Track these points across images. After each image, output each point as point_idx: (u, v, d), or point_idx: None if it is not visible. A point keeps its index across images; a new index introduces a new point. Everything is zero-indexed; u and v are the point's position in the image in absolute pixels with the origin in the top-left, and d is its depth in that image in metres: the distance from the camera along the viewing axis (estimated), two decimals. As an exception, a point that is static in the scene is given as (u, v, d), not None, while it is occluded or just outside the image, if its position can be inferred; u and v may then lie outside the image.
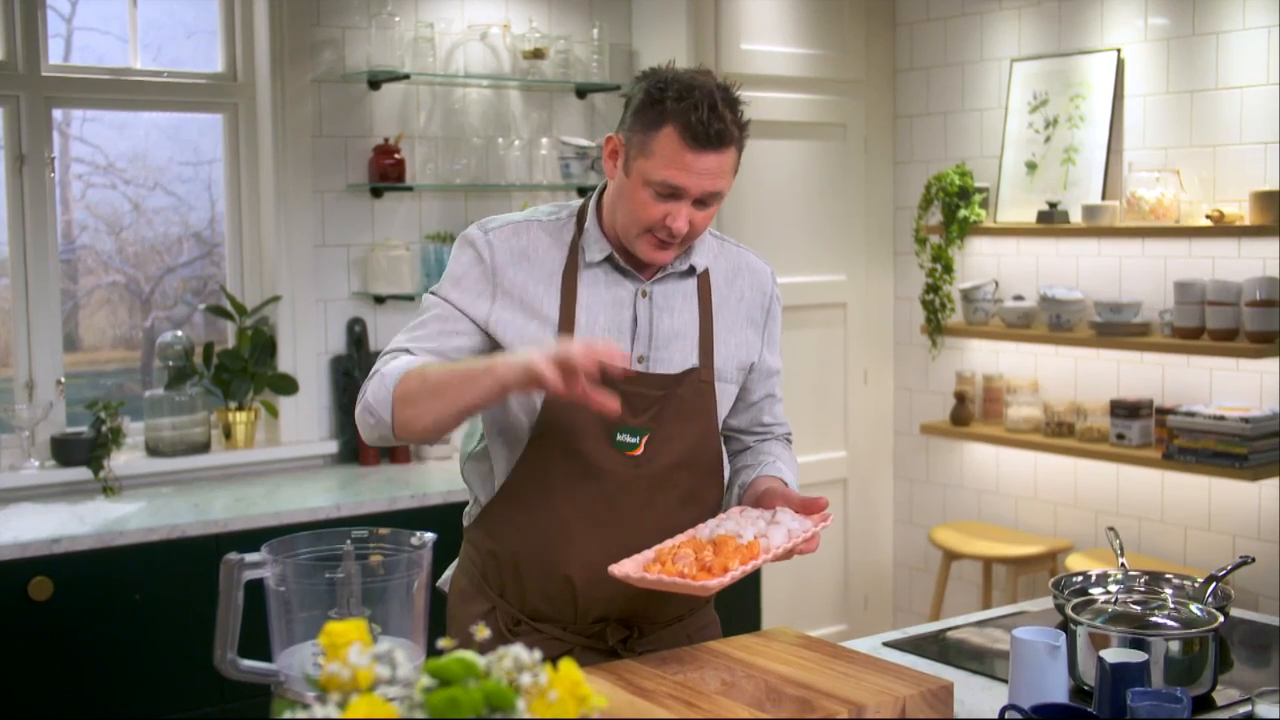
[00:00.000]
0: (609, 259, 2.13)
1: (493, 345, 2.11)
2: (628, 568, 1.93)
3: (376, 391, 2.05)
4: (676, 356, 2.15)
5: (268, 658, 1.74)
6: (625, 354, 1.88)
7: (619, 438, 2.10)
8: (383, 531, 1.81)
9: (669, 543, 2.01)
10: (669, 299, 2.16)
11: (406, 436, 2.07)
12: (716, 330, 2.20)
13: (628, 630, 2.18)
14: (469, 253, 2.13)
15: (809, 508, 2.09)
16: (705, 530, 2.05)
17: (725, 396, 2.23)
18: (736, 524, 2.05)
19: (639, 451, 2.11)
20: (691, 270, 2.19)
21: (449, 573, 2.32)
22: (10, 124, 3.80)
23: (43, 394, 3.85)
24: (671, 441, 2.13)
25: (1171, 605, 2.12)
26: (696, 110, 1.98)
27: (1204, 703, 2.01)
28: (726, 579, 1.90)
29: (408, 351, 2.10)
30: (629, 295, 2.14)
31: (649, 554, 1.97)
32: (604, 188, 2.18)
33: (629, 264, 2.14)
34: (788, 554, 2.01)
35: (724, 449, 2.27)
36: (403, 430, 2.05)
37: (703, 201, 2.05)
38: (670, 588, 1.90)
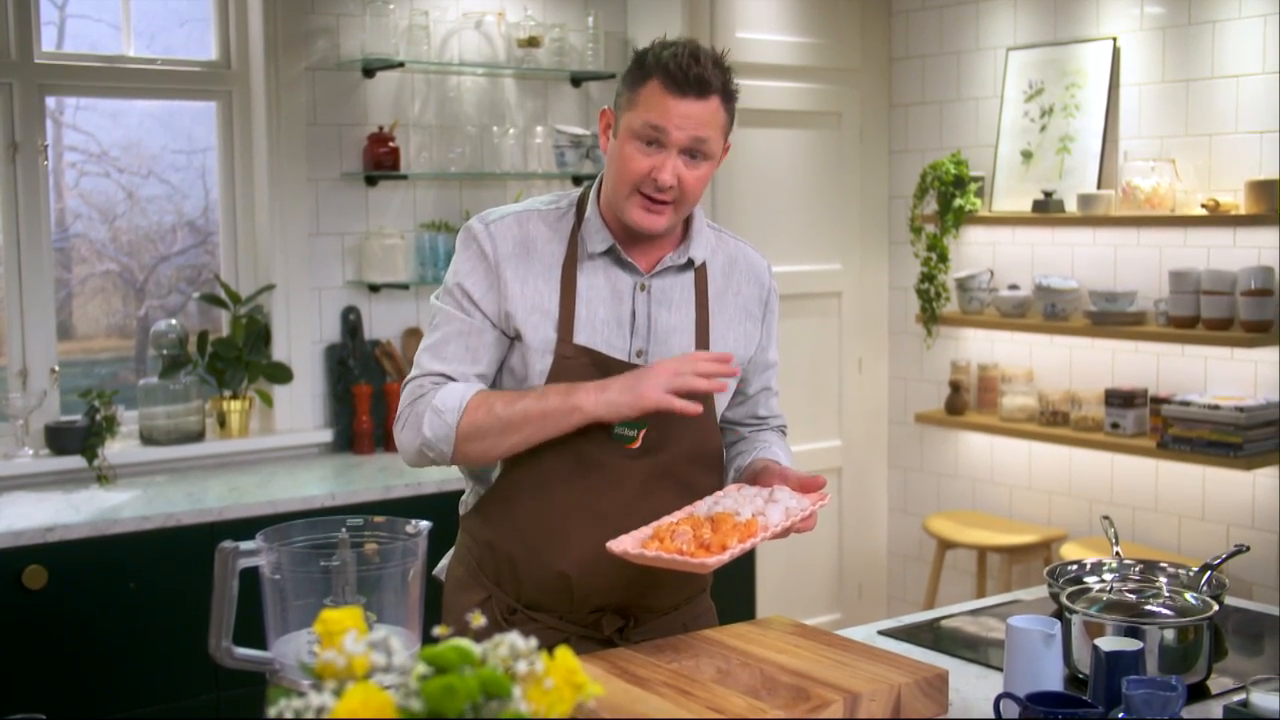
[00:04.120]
0: (610, 250, 2.13)
1: (510, 338, 2.12)
2: (626, 544, 1.92)
3: (435, 427, 2.05)
4: (674, 350, 2.15)
5: (263, 646, 1.74)
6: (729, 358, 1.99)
7: (617, 430, 2.10)
8: (378, 519, 1.81)
9: (666, 519, 2.00)
10: (667, 293, 2.16)
11: (465, 464, 2.14)
12: (713, 324, 2.20)
13: (624, 619, 2.18)
14: (473, 248, 2.13)
15: (806, 486, 2.09)
16: (703, 507, 2.05)
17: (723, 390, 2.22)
18: (734, 501, 2.04)
19: (637, 444, 2.11)
20: (690, 264, 2.18)
21: (445, 561, 2.32)
22: (3, 112, 3.79)
23: (37, 382, 3.85)
24: (669, 434, 2.13)
25: (1166, 594, 2.12)
26: (676, 58, 2.02)
27: (1198, 691, 2.01)
28: (725, 557, 1.88)
29: (445, 377, 2.09)
30: (628, 289, 2.14)
31: (647, 530, 1.96)
32: (602, 176, 2.18)
33: (630, 255, 2.14)
34: (785, 532, 2.00)
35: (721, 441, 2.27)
36: (464, 460, 2.10)
37: (690, 153, 2.05)
38: (668, 565, 1.89)
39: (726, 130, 2.09)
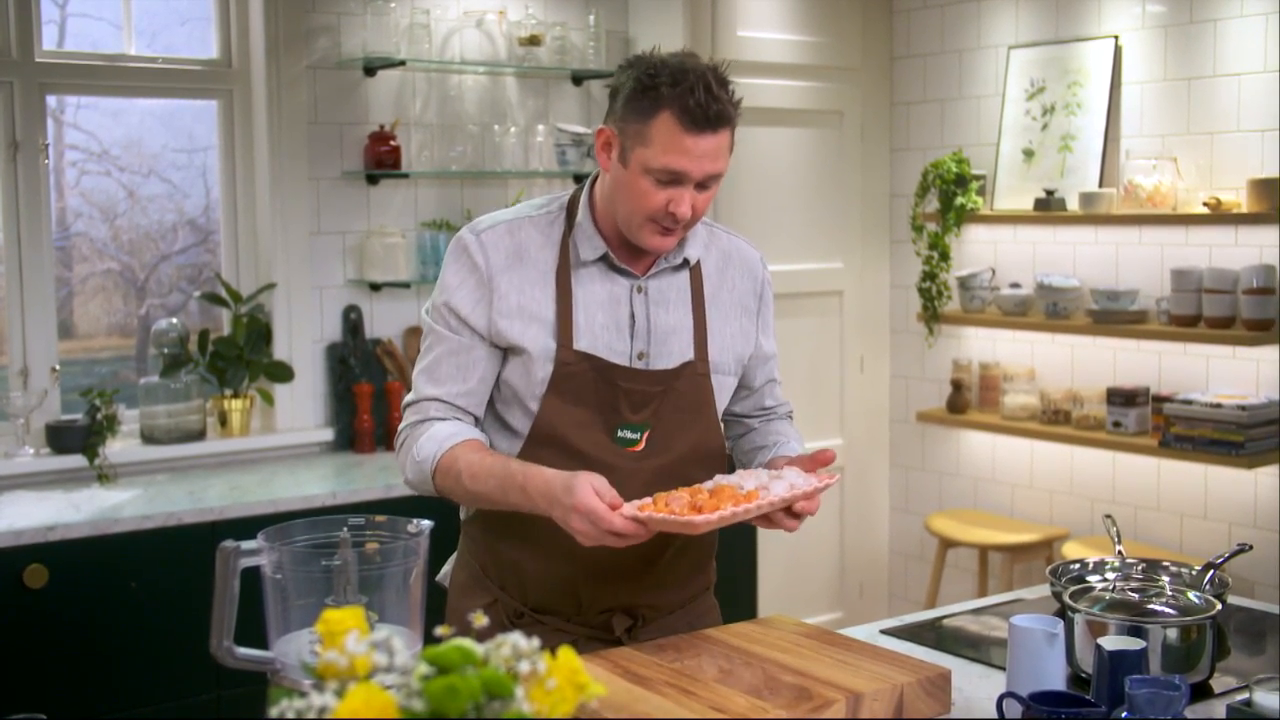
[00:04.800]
0: (603, 257, 2.12)
1: (503, 350, 2.11)
2: (625, 510, 1.90)
3: (416, 474, 2.10)
4: (675, 351, 2.15)
5: (264, 645, 1.73)
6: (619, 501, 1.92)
7: (620, 434, 2.10)
8: (379, 519, 1.81)
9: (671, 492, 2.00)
10: (664, 294, 2.15)
11: None
12: (710, 322, 2.19)
13: (632, 620, 2.17)
14: (464, 260, 2.11)
15: (818, 460, 2.08)
16: (709, 484, 2.04)
17: (723, 388, 2.22)
18: (739, 477, 2.03)
19: (640, 447, 2.10)
20: (685, 263, 2.18)
21: (447, 567, 2.31)
22: (4, 110, 3.78)
23: (37, 381, 3.84)
24: (672, 436, 2.12)
25: (1169, 593, 2.12)
26: (693, 93, 1.96)
27: (1201, 690, 2.01)
28: (714, 518, 1.86)
29: (439, 402, 2.10)
30: (624, 292, 2.13)
31: (646, 500, 1.95)
32: (594, 179, 2.16)
33: (623, 261, 2.13)
34: (788, 508, 1.98)
35: (725, 437, 2.26)
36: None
37: (703, 184, 2.03)
38: (659, 525, 1.87)
39: (733, 146, 2.08)
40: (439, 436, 2.06)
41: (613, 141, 2.06)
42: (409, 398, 2.14)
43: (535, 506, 1.96)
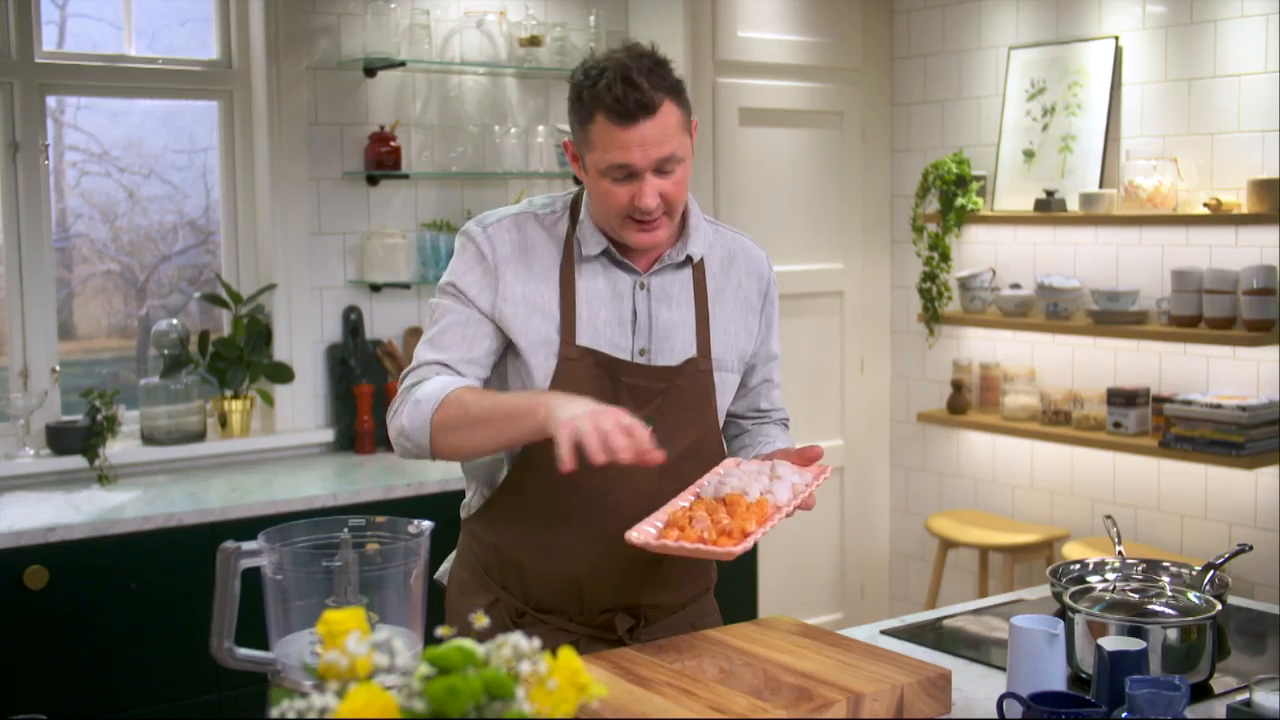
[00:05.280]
0: (606, 252, 2.13)
1: (506, 340, 2.11)
2: (645, 535, 1.90)
3: (413, 417, 2.03)
4: (677, 348, 2.15)
5: (265, 646, 1.73)
6: (651, 447, 1.86)
7: None
8: (380, 519, 1.81)
9: (678, 503, 1.99)
10: (667, 290, 2.16)
11: (446, 458, 2.08)
12: (714, 319, 2.19)
13: (634, 619, 2.17)
14: (470, 249, 2.12)
15: (806, 456, 2.09)
16: (709, 487, 2.03)
17: (726, 386, 2.22)
18: (739, 480, 2.03)
19: None
20: (688, 260, 2.18)
21: (446, 565, 2.31)
22: (4, 111, 3.78)
23: (38, 382, 3.84)
24: (674, 433, 2.12)
25: (1169, 593, 2.12)
26: (610, 89, 1.97)
27: (1202, 690, 2.01)
28: (748, 543, 1.88)
29: (441, 365, 2.08)
30: (627, 288, 2.13)
31: (660, 517, 1.95)
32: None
33: (627, 256, 2.13)
34: (793, 510, 2.00)
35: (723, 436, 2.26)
36: (441, 453, 2.05)
37: (661, 170, 2.03)
38: (693, 554, 1.87)
39: (687, 122, 2.06)
40: (442, 381, 2.04)
41: (575, 153, 2.09)
42: (408, 368, 2.13)
43: (536, 404, 1.89)
